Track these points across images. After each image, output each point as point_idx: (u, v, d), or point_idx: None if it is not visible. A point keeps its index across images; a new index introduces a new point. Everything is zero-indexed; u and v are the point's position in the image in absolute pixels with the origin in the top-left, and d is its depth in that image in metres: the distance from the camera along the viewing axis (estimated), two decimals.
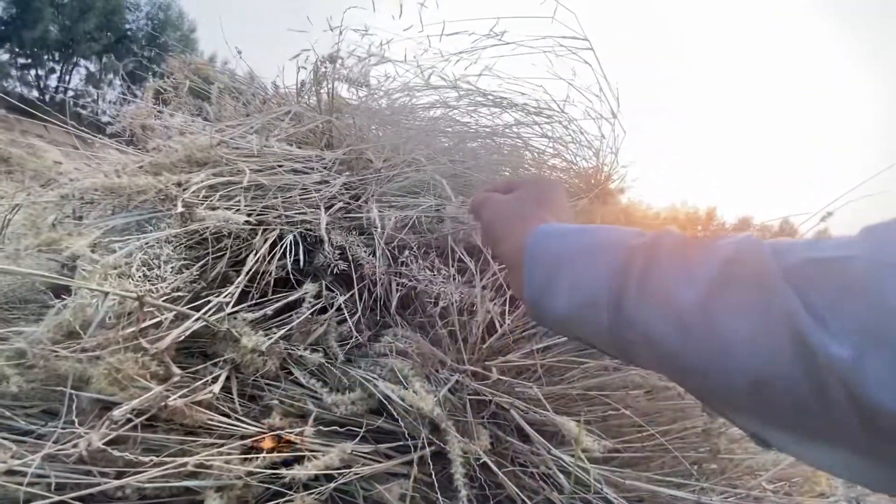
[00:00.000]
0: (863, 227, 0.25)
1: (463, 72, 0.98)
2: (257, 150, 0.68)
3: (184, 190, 0.60)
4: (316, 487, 0.53)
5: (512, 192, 0.44)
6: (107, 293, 0.44)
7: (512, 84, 0.98)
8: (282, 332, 0.61)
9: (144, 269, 0.52)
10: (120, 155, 0.96)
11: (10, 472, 0.44)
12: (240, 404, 0.56)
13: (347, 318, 0.68)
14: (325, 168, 0.82)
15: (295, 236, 0.69)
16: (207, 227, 0.60)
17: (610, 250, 0.30)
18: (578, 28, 0.93)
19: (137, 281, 0.50)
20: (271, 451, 0.50)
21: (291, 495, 0.50)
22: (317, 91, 0.93)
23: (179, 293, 0.55)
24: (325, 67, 0.91)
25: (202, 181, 0.59)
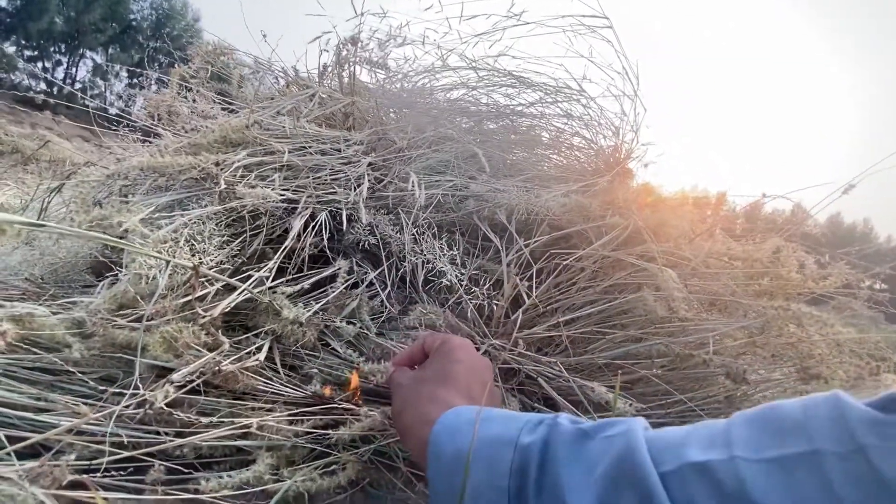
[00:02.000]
0: (735, 414, 0.26)
1: (483, 53, 0.99)
2: (290, 132, 0.70)
3: (222, 169, 0.62)
4: (357, 449, 0.56)
5: (420, 366, 0.46)
6: (168, 262, 0.46)
7: (532, 64, 0.98)
8: (319, 304, 0.63)
9: (192, 242, 0.54)
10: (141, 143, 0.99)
11: (79, 432, 0.47)
12: (283, 373, 0.59)
13: (379, 292, 0.70)
14: (349, 148, 0.84)
15: (326, 215, 0.71)
16: (245, 206, 0.62)
17: (506, 444, 0.30)
18: (598, 6, 0.93)
19: (186, 254, 0.53)
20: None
21: (336, 455, 0.53)
22: (339, 74, 0.94)
23: (224, 266, 0.58)
24: (347, 50, 0.93)
25: (241, 160, 0.61)
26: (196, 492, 0.46)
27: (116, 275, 0.59)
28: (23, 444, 0.42)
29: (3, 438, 0.41)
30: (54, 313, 0.51)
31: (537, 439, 0.29)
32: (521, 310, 0.70)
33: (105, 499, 0.42)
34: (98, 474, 0.43)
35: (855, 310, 0.69)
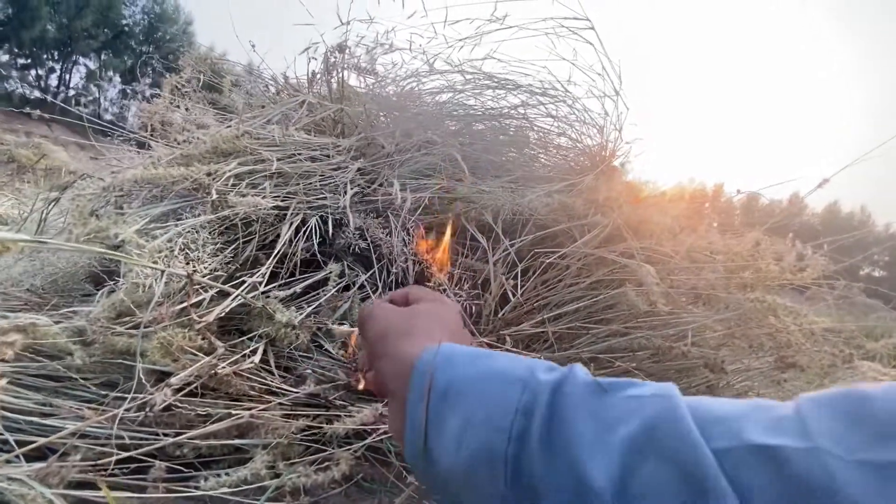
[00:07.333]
0: (802, 397, 0.22)
1: (468, 56, 1.01)
2: (279, 140, 0.72)
3: (214, 179, 0.64)
4: (350, 445, 0.58)
5: (409, 305, 0.38)
6: (163, 271, 0.48)
7: (516, 66, 1.01)
8: (311, 307, 0.65)
9: (186, 251, 0.56)
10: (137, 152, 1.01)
11: (83, 435, 0.49)
12: (277, 374, 0.61)
13: (370, 294, 0.72)
14: (339, 154, 0.86)
15: (317, 220, 0.73)
16: (237, 213, 0.65)
17: (514, 381, 0.26)
18: (579, 8, 0.95)
19: (181, 262, 0.55)
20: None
21: (330, 451, 0.56)
22: (327, 80, 0.96)
23: (217, 273, 0.60)
24: (335, 57, 0.95)
25: (232, 170, 0.63)
26: (196, 489, 0.49)
27: (115, 283, 0.61)
28: (30, 446, 0.44)
29: (13, 442, 0.44)
30: (56, 322, 0.53)
31: (548, 381, 0.25)
32: (507, 307, 0.73)
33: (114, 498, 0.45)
34: (102, 474, 0.45)
35: (826, 299, 0.71)
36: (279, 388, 0.59)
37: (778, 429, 0.20)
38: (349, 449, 0.57)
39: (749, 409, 0.22)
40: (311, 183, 0.76)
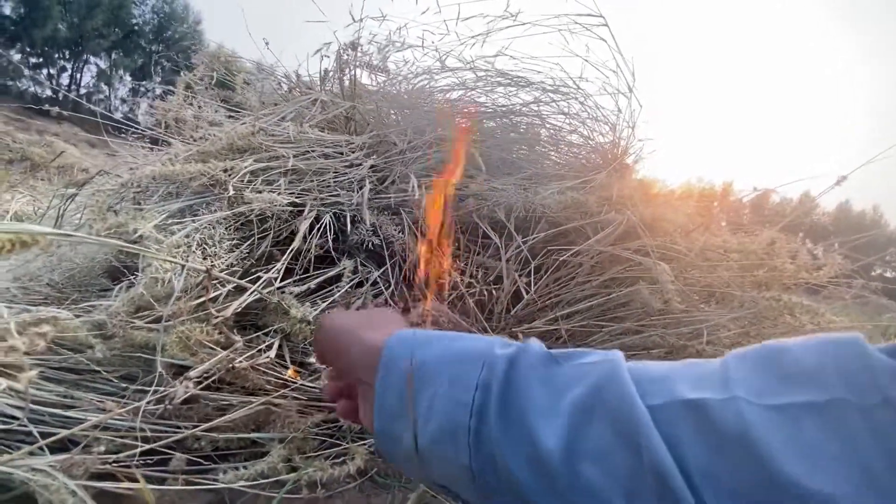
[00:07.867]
0: (730, 353, 0.23)
1: (479, 52, 1.01)
2: (293, 137, 0.73)
3: (230, 175, 0.65)
4: (365, 440, 0.59)
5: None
6: (183, 266, 0.49)
7: (528, 63, 1.00)
8: (325, 303, 0.66)
9: (203, 247, 0.57)
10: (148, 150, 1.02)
11: (104, 428, 0.50)
12: (293, 369, 0.62)
13: (383, 290, 0.73)
14: (352, 151, 0.86)
15: (331, 216, 0.73)
16: (253, 210, 0.65)
17: (475, 358, 0.27)
18: (591, 4, 0.95)
19: (198, 258, 0.55)
20: None
21: (346, 446, 0.56)
22: (340, 78, 0.96)
23: (234, 269, 0.61)
24: (347, 55, 0.95)
25: (248, 167, 0.64)
26: (215, 482, 0.49)
27: (132, 279, 0.62)
28: (53, 438, 0.45)
29: (36, 433, 0.45)
30: (77, 316, 0.54)
31: (504, 356, 0.27)
32: (520, 304, 0.73)
33: (141, 490, 0.45)
34: (124, 465, 0.46)
35: (846, 299, 0.70)
36: (294, 382, 0.60)
37: (704, 383, 0.22)
38: (364, 444, 0.57)
39: (683, 367, 0.24)
40: (324, 180, 0.76)
